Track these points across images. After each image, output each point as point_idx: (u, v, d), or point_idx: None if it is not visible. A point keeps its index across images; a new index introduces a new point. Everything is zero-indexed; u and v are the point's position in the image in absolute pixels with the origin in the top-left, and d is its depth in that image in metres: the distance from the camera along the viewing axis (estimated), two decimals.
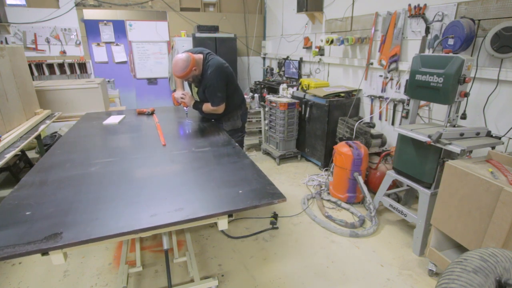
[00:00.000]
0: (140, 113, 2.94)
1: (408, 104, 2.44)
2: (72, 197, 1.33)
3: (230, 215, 1.26)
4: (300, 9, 4.18)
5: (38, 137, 2.97)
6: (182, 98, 2.55)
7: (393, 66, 3.06)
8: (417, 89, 2.24)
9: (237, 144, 2.06)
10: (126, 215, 1.18)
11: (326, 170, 3.65)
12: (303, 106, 3.89)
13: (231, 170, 1.61)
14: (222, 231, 2.54)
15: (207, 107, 2.49)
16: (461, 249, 2.04)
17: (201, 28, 5.23)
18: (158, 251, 2.33)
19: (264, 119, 4.35)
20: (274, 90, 4.80)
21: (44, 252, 1.03)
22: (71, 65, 5.03)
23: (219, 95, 2.39)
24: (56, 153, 1.91)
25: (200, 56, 2.38)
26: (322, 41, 3.84)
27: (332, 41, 3.63)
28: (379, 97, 3.38)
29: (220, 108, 2.48)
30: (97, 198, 1.33)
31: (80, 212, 1.21)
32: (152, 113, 2.92)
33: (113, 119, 2.68)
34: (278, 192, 1.37)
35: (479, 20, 2.31)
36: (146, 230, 1.12)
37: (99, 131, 2.42)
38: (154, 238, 2.48)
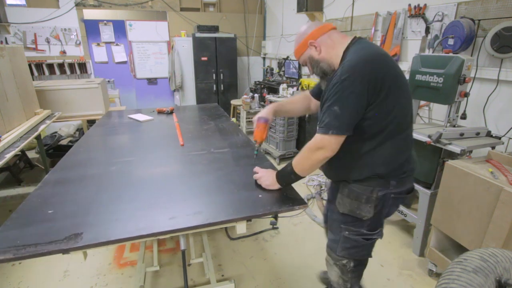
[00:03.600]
0: (160, 112, 2.97)
1: None
2: (93, 197, 1.33)
3: (249, 219, 1.24)
4: (300, 9, 4.18)
5: (38, 137, 2.96)
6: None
7: None
8: (417, 89, 2.24)
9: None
10: (145, 217, 1.18)
11: None
12: None
13: (251, 172, 1.57)
14: (226, 230, 2.53)
15: (303, 151, 1.27)
16: (461, 249, 2.04)
17: (201, 28, 5.23)
18: (163, 251, 2.33)
19: None
20: (274, 90, 4.80)
21: (65, 252, 1.04)
22: (71, 65, 5.03)
23: (335, 109, 1.12)
24: (80, 151, 1.93)
25: (342, 36, 1.27)
26: None
27: None
28: None
29: (325, 143, 1.17)
30: (117, 198, 1.33)
31: (100, 212, 1.21)
32: (171, 112, 2.94)
33: (139, 117, 2.74)
34: (299, 198, 1.32)
35: (479, 20, 2.30)
36: (165, 233, 1.11)
37: (120, 129, 2.47)
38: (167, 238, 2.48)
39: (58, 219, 1.16)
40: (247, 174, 1.57)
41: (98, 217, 1.17)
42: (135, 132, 2.38)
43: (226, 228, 2.45)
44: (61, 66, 4.99)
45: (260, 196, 1.33)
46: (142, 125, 2.56)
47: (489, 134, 2.08)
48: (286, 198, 1.32)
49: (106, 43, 5.25)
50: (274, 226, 2.63)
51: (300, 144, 4.11)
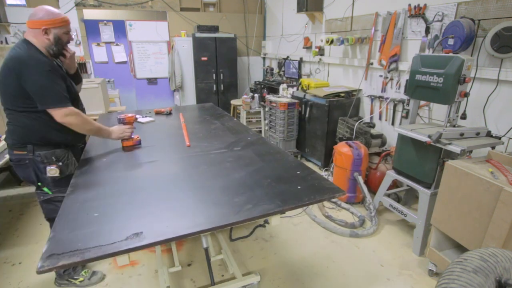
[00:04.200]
0: (158, 113, 2.94)
1: (408, 104, 2.44)
2: (128, 199, 1.33)
3: (283, 212, 1.31)
4: (300, 9, 4.18)
5: None
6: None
7: (393, 66, 3.06)
8: (417, 89, 2.24)
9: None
10: (195, 213, 1.21)
11: (326, 170, 3.65)
12: (303, 106, 3.89)
13: (279, 167, 1.63)
14: (230, 231, 2.52)
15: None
16: (461, 249, 2.04)
17: (201, 28, 5.23)
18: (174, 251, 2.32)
19: (264, 119, 4.35)
20: (274, 90, 4.80)
21: (130, 251, 1.04)
22: None
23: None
24: (92, 156, 1.86)
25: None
26: (322, 41, 3.84)
27: (332, 41, 3.63)
28: (379, 97, 3.38)
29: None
30: (153, 198, 1.34)
31: (152, 212, 1.22)
32: (170, 113, 2.92)
33: (140, 118, 2.69)
34: (335, 187, 1.40)
35: (479, 20, 2.31)
36: (228, 225, 1.16)
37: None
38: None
39: (107, 221, 1.16)
40: (277, 168, 1.61)
41: (148, 217, 1.18)
42: (143, 133, 2.33)
43: (231, 228, 2.45)
44: None
45: (299, 187, 1.40)
46: (145, 126, 2.54)
47: (489, 134, 2.08)
48: (323, 188, 1.39)
49: (106, 43, 5.25)
50: (266, 222, 2.62)
51: (300, 144, 4.11)
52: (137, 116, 2.76)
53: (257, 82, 5.27)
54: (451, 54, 2.01)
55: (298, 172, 1.56)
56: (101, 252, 0.98)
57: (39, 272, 0.92)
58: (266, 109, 4.20)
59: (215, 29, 5.31)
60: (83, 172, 1.62)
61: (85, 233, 1.08)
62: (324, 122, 3.56)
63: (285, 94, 4.32)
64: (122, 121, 1.99)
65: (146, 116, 2.79)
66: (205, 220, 1.16)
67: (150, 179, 1.54)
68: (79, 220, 1.17)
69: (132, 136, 2.01)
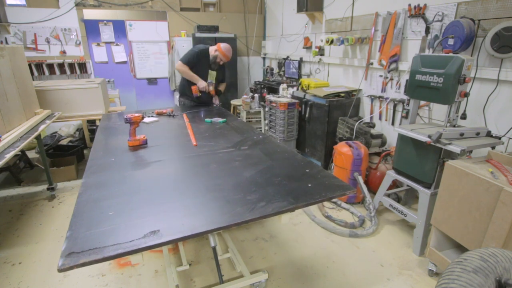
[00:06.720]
0: (160, 114, 2.91)
1: (408, 104, 2.44)
2: (145, 196, 1.34)
3: (292, 210, 1.32)
4: (300, 9, 4.18)
5: (38, 137, 2.96)
6: (208, 87, 3.20)
7: (393, 66, 3.06)
8: (417, 89, 2.24)
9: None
10: (209, 211, 1.22)
11: (326, 170, 3.65)
12: (303, 106, 3.89)
13: (288, 165, 1.65)
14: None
15: (223, 86, 3.49)
16: (461, 249, 2.04)
17: (201, 28, 5.23)
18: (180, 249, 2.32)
19: (264, 119, 4.34)
20: (274, 90, 4.80)
21: (148, 248, 1.04)
22: (71, 65, 5.03)
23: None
24: (99, 156, 1.86)
25: None
26: (322, 41, 3.84)
27: (332, 41, 3.62)
28: (379, 97, 3.38)
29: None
30: (167, 198, 1.34)
31: (166, 211, 1.22)
32: (172, 114, 2.90)
33: (145, 119, 2.66)
34: (345, 184, 1.43)
35: (479, 20, 2.30)
36: (243, 222, 1.16)
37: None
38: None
39: (123, 219, 1.16)
40: (286, 167, 1.63)
41: (162, 216, 1.19)
42: (148, 132, 2.30)
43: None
44: (61, 66, 4.98)
45: (309, 185, 1.42)
46: (149, 126, 2.53)
47: (489, 134, 2.08)
48: (333, 185, 1.41)
49: (106, 43, 5.25)
50: None
51: (300, 144, 4.11)
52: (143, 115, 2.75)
53: (257, 82, 5.27)
54: (451, 54, 2.01)
55: (307, 170, 1.58)
56: (121, 249, 0.98)
57: (60, 270, 0.91)
58: (266, 109, 4.20)
59: (215, 29, 5.31)
60: (93, 172, 1.62)
61: (102, 231, 1.08)
62: (324, 122, 3.56)
63: (285, 94, 4.31)
64: (128, 121, 2.00)
65: (150, 116, 2.79)
66: (220, 217, 1.17)
67: (160, 178, 1.54)
68: (94, 218, 1.17)
69: (138, 136, 2.04)
